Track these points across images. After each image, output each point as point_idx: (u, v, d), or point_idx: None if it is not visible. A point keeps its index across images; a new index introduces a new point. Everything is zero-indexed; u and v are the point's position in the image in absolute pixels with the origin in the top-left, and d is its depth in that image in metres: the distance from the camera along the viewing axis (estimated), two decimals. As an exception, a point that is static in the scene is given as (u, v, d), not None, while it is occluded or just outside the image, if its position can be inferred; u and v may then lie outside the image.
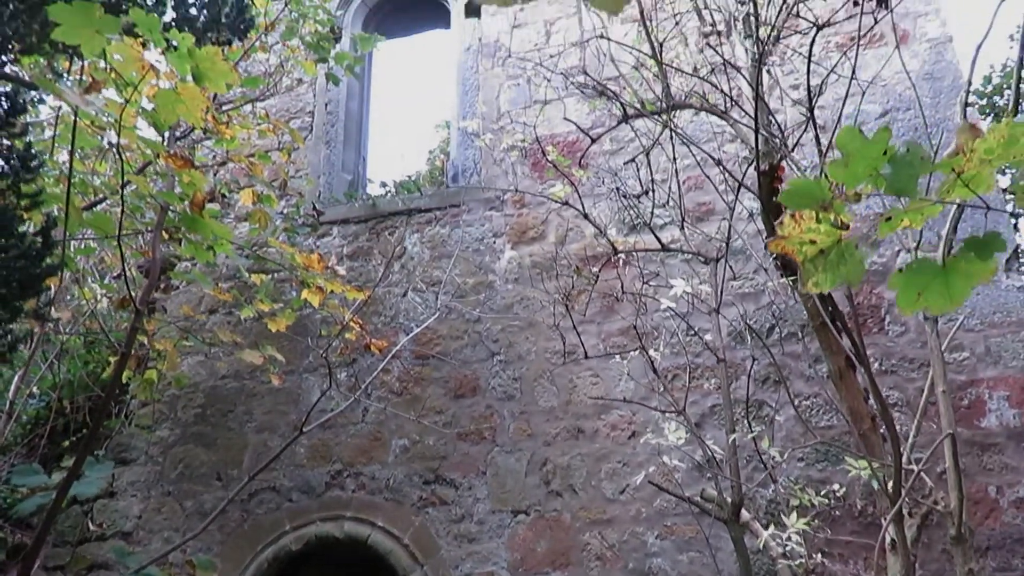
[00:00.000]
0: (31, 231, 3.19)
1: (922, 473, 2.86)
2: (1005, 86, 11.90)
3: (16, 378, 5.58)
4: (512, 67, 6.51)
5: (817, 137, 2.58)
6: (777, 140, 2.96)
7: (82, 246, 5.02)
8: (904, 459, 2.70)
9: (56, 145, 4.54)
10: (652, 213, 4.43)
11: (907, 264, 1.69)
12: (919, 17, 5.77)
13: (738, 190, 3.64)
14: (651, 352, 3.86)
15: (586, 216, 4.30)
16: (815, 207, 1.69)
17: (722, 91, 3.50)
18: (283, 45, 6.27)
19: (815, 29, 2.62)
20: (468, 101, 6.67)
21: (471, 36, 6.90)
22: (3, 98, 2.93)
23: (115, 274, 6.38)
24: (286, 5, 5.93)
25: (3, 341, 2.81)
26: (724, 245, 3.89)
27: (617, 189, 4.88)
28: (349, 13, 7.30)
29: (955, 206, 2.52)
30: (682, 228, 4.25)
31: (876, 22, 2.75)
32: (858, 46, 2.50)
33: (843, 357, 3.37)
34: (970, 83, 3.68)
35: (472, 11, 6.98)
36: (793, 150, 3.16)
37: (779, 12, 3.28)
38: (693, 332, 4.73)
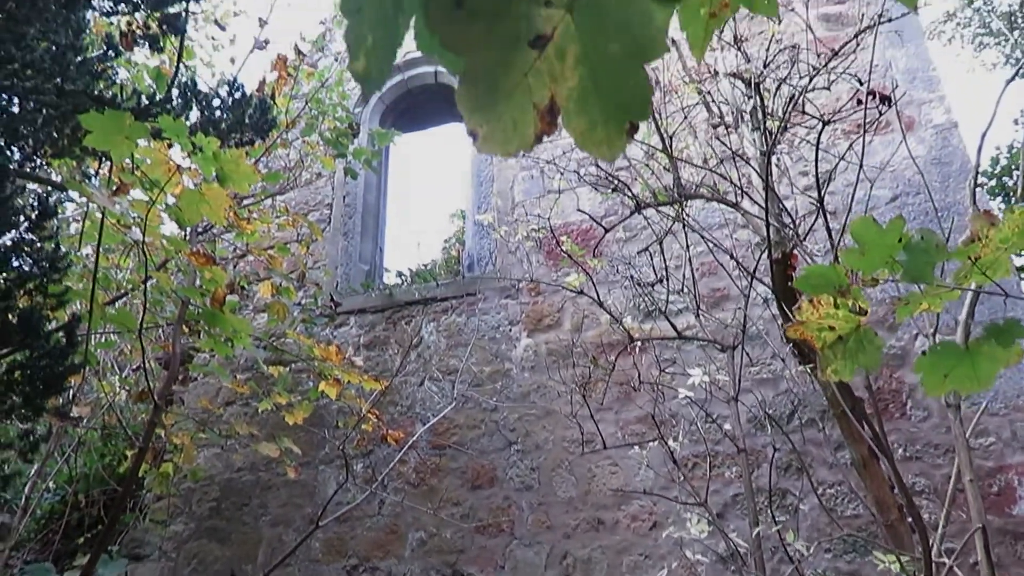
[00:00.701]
0: (54, 327, 3.24)
1: (954, 567, 2.78)
2: (1013, 167, 12.01)
3: (33, 473, 5.57)
4: (526, 159, 6.67)
5: (828, 228, 2.61)
6: (789, 230, 3.00)
7: (103, 339, 5.08)
8: (934, 551, 2.62)
9: (81, 240, 4.65)
10: (667, 301, 4.45)
11: (931, 347, 1.69)
12: (923, 104, 5.89)
13: (751, 279, 3.66)
14: (670, 442, 3.82)
15: (601, 305, 4.32)
16: (832, 292, 1.70)
17: (731, 181, 3.56)
18: (303, 141, 6.46)
19: (821, 124, 2.68)
20: (483, 192, 6.81)
21: (485, 130, 7.08)
22: (35, 202, 3.02)
23: (134, 367, 6.43)
24: (306, 104, 6.14)
25: (26, 440, 2.83)
26: (740, 332, 3.89)
27: (631, 277, 4.91)
28: (367, 109, 7.54)
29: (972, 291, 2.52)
30: (697, 316, 4.25)
31: (880, 115, 2.81)
32: (864, 137, 2.56)
33: (865, 446, 3.32)
34: (978, 169, 3.72)
35: (486, 106, 7.18)
36: (805, 239, 3.19)
37: (785, 105, 3.37)
38: (712, 420, 4.68)
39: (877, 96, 2.67)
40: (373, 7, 0.54)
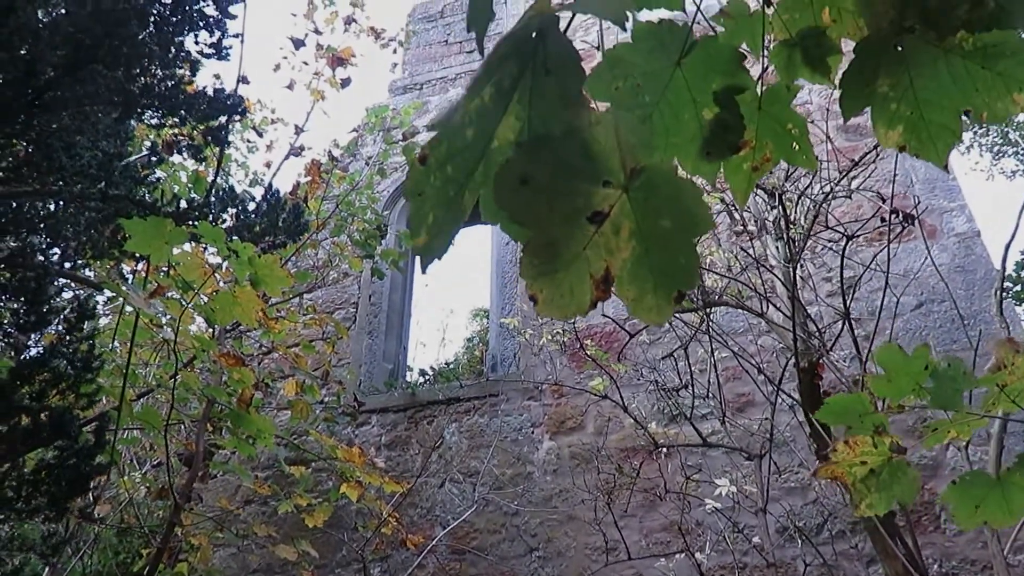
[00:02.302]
0: (82, 425, 3.28)
1: None
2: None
3: (46, 572, 5.49)
4: (549, 261, 6.77)
5: (855, 341, 2.62)
6: (815, 339, 3.01)
7: (126, 436, 5.09)
8: None
9: (114, 338, 4.74)
10: (692, 407, 4.42)
11: (960, 477, 1.67)
12: (944, 213, 5.95)
13: (778, 388, 3.65)
14: (697, 554, 3.72)
15: (626, 410, 4.30)
16: (856, 422, 1.70)
17: (755, 290, 3.59)
18: (332, 242, 6.61)
19: (846, 239, 2.73)
20: (507, 293, 6.88)
21: (510, 232, 7.22)
22: (74, 303, 3.11)
23: (154, 463, 6.42)
24: (337, 206, 6.32)
25: (49, 541, 2.82)
26: (767, 441, 3.85)
27: (656, 382, 4.90)
28: (395, 211, 7.73)
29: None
30: (723, 422, 4.21)
31: (904, 228, 2.85)
32: (888, 248, 2.59)
33: (899, 562, 3.22)
34: (1003, 280, 3.74)
35: (511, 209, 7.35)
36: (831, 350, 3.19)
37: (807, 215, 3.43)
38: (739, 531, 4.57)
39: (900, 214, 2.72)
40: (435, 190, 0.59)
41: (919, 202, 4.22)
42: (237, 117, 3.71)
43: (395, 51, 7.35)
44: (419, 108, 7.77)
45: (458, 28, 9.37)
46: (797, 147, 0.93)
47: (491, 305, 7.08)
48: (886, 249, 3.52)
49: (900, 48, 0.72)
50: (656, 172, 0.63)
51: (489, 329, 7.33)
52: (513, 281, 6.95)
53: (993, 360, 1.70)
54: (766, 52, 0.94)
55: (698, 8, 1.02)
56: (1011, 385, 1.67)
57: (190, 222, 3.90)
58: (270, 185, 4.45)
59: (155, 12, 2.97)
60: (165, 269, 4.03)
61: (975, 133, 15.20)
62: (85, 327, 2.99)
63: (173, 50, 3.04)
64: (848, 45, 0.85)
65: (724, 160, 0.87)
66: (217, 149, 3.98)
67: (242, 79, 4.47)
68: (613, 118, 0.61)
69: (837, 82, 0.82)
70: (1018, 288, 11.53)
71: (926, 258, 5.56)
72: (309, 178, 5.88)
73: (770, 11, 0.89)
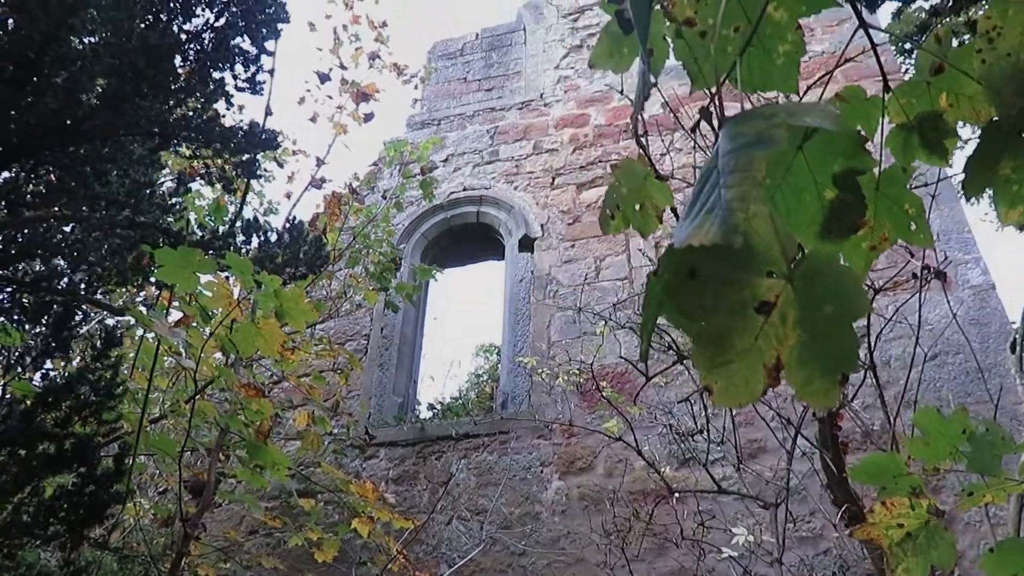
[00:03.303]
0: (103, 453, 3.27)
1: None
2: (1047, 325, 12.00)
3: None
4: (563, 299, 6.78)
5: (881, 394, 2.62)
6: (838, 391, 3.00)
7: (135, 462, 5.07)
8: None
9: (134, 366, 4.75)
10: (707, 452, 4.40)
11: (998, 544, 1.66)
12: (959, 265, 5.97)
13: (796, 434, 3.63)
14: (712, 603, 3.68)
15: (640, 454, 4.28)
16: (890, 483, 1.69)
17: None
18: (347, 273, 6.64)
19: (873, 292, 2.75)
20: (520, 330, 6.89)
21: (524, 269, 7.25)
22: (101, 331, 3.13)
23: (160, 489, 6.38)
24: (354, 239, 6.36)
25: (67, 570, 2.80)
26: (783, 489, 3.82)
27: (670, 426, 4.88)
28: (409, 245, 7.77)
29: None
30: (738, 469, 4.19)
31: (926, 283, 2.87)
32: (920, 302, 2.61)
33: (920, 620, 3.18)
34: (1020, 336, 3.73)
35: (525, 246, 7.39)
36: (852, 400, 3.19)
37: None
38: (752, 580, 4.52)
39: (932, 270, 2.74)
40: (656, 296, 0.61)
41: (946, 257, 4.23)
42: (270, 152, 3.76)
43: (416, 87, 7.45)
44: (436, 143, 7.85)
45: (477, 66, 9.49)
46: (915, 226, 0.96)
47: (503, 342, 7.08)
48: (905, 300, 3.53)
49: (1024, 134, 0.75)
50: (816, 260, 0.67)
51: (500, 365, 7.32)
52: (526, 318, 6.96)
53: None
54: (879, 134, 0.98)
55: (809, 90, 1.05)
56: (1050, 451, 1.66)
57: (214, 251, 3.93)
58: (294, 217, 4.48)
59: (197, 47, 3.03)
60: (187, 298, 4.06)
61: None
62: (112, 355, 3.00)
63: (212, 84, 3.09)
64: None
65: (844, 240, 0.90)
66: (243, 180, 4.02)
67: (268, 111, 4.54)
68: (768, 210, 0.64)
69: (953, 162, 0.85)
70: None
71: (940, 307, 5.57)
72: (329, 211, 5.93)
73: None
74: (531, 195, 7.85)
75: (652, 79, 0.68)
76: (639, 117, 0.84)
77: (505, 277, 7.47)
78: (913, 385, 5.45)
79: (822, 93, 1.12)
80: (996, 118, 0.76)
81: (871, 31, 0.98)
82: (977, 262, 5.99)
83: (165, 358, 4.54)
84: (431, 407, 7.66)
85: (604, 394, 4.53)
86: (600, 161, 7.82)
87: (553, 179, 7.92)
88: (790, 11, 0.98)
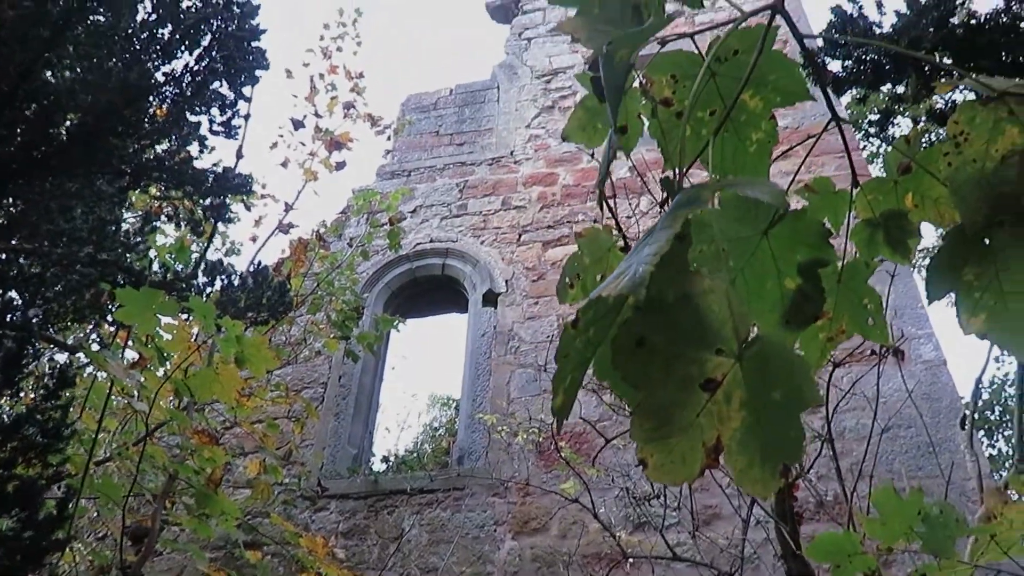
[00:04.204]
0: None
1: None
2: (995, 402, 12.30)
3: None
4: (524, 356, 6.78)
5: (838, 468, 2.65)
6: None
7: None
8: None
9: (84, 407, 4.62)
10: (664, 517, 4.39)
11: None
12: (912, 340, 6.11)
13: (752, 504, 3.65)
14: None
15: (595, 516, 4.26)
16: (845, 562, 1.71)
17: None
18: (309, 320, 6.57)
19: (832, 366, 2.80)
20: (480, 385, 6.85)
21: (487, 324, 7.25)
22: (53, 370, 3.05)
23: (98, 535, 6.15)
24: (317, 285, 6.31)
25: (-4, 622, 2.67)
26: (737, 558, 3.82)
27: (627, 490, 4.87)
28: (373, 294, 7.74)
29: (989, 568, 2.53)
30: (693, 535, 4.18)
31: (882, 359, 2.93)
32: (879, 382, 2.66)
33: None
34: (974, 416, 3.82)
35: (489, 301, 7.40)
36: (809, 471, 3.22)
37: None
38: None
39: (890, 348, 2.80)
40: (577, 352, 0.61)
41: (902, 335, 4.34)
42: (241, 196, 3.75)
43: (388, 138, 7.51)
44: (406, 194, 7.89)
45: (449, 120, 9.62)
46: (872, 322, 0.98)
47: (462, 396, 7.03)
48: (862, 373, 3.61)
49: (988, 241, 0.77)
50: (769, 344, 0.67)
51: (458, 420, 7.26)
52: (486, 373, 6.93)
53: (983, 509, 1.73)
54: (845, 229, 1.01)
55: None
56: (1001, 536, 1.69)
57: (176, 292, 3.87)
58: (259, 262, 4.45)
59: (176, 90, 3.03)
60: (143, 338, 3.97)
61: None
62: (64, 395, 2.92)
63: (187, 127, 3.09)
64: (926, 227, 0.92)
65: (802, 330, 0.92)
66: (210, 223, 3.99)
67: (240, 154, 4.53)
68: (725, 287, 0.64)
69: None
70: (977, 418, 11.78)
71: (892, 382, 5.68)
72: (294, 256, 5.90)
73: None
74: (497, 250, 7.90)
75: (618, 155, 0.70)
76: (603, 188, 0.86)
77: (467, 331, 7.46)
78: (867, 457, 5.53)
79: (794, 177, 1.15)
80: (960, 223, 0.79)
81: (841, 118, 1.02)
82: (929, 338, 6.14)
83: (116, 398, 4.43)
84: (385, 459, 7.55)
85: (563, 454, 4.51)
86: (567, 221, 7.92)
87: (520, 235, 7.99)
88: (765, 101, 1.02)
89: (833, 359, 2.86)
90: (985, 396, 12.69)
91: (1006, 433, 13.34)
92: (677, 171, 0.81)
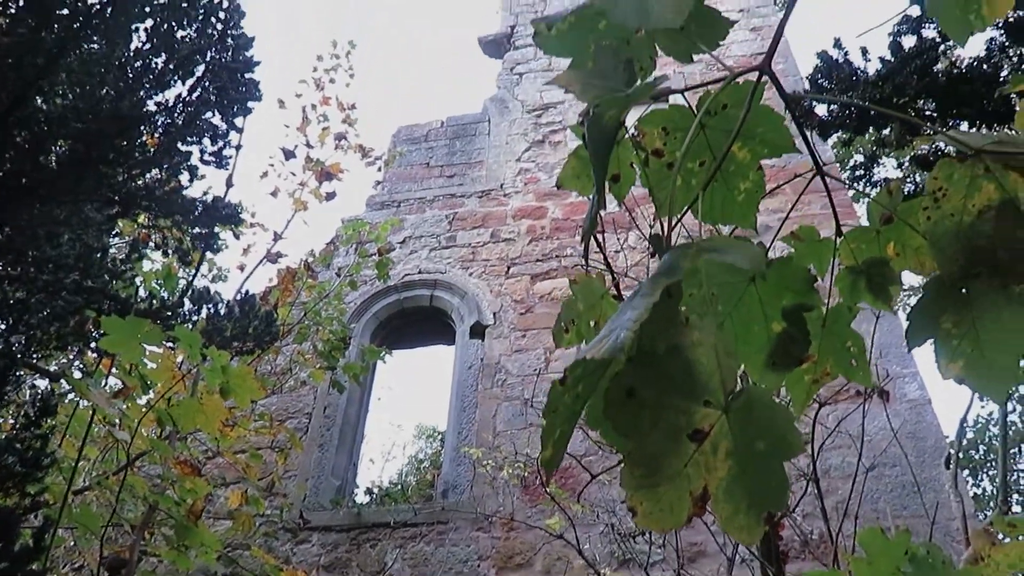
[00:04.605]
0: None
1: None
2: (979, 441, 12.34)
3: None
4: (511, 389, 6.76)
5: (823, 507, 2.65)
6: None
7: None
8: None
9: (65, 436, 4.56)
10: (648, 555, 4.36)
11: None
12: (897, 379, 6.14)
13: (736, 544, 3.63)
14: None
15: (580, 552, 4.22)
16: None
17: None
18: (295, 350, 6.54)
19: (818, 406, 2.81)
20: (466, 418, 6.82)
21: (474, 356, 7.24)
22: (35, 398, 3.02)
23: (76, 565, 6.04)
24: (304, 315, 6.29)
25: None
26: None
27: (612, 526, 4.84)
28: (360, 324, 7.72)
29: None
30: (678, 574, 4.15)
31: (868, 398, 2.94)
32: (864, 421, 2.67)
33: None
34: (959, 456, 3.83)
35: (477, 333, 7.40)
36: (794, 510, 3.22)
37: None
38: None
39: (876, 389, 2.82)
40: (566, 407, 0.62)
41: (887, 374, 4.36)
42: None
43: (379, 169, 7.55)
44: (395, 225, 7.91)
45: (440, 152, 9.68)
46: (855, 364, 1.00)
47: (448, 428, 7.00)
48: (848, 412, 3.61)
49: (966, 291, 0.79)
50: (754, 395, 0.68)
51: (443, 452, 7.21)
52: (472, 406, 6.90)
53: (970, 551, 1.73)
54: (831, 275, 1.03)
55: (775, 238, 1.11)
56: (987, 578, 1.70)
57: (162, 321, 3.85)
58: (246, 291, 4.43)
59: (168, 120, 3.04)
60: (126, 367, 3.94)
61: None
62: (45, 424, 2.88)
63: (178, 156, 3.10)
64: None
65: (788, 372, 0.93)
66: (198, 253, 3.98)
67: (230, 183, 4.54)
68: (714, 339, 0.66)
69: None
70: (961, 457, 11.81)
71: (877, 420, 5.69)
72: (282, 286, 5.88)
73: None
74: (486, 282, 7.91)
75: (602, 208, 0.72)
76: (587, 243, 0.88)
77: (454, 363, 7.44)
78: (852, 496, 5.53)
79: (786, 217, 1.17)
80: (939, 273, 0.81)
81: (825, 172, 1.04)
82: (914, 376, 6.17)
83: (97, 426, 4.38)
84: (369, 491, 7.48)
85: (548, 490, 4.49)
86: (556, 254, 7.95)
87: (508, 268, 8.01)
88: (753, 152, 1.04)
89: (819, 398, 2.88)
90: (969, 435, 12.74)
91: (990, 472, 13.42)
92: (665, 224, 0.83)
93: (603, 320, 1.19)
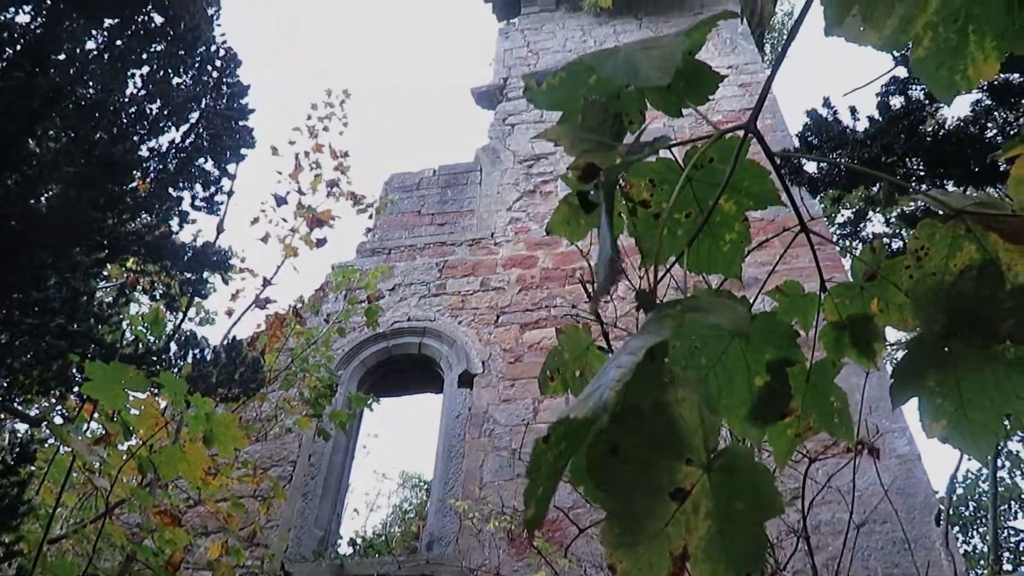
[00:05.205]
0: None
1: None
2: (968, 497, 12.26)
3: None
4: (499, 439, 6.70)
5: (814, 565, 2.61)
6: (769, 558, 2.99)
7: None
8: None
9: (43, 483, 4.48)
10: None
11: None
12: (887, 433, 6.11)
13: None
14: None
15: (567, 608, 4.14)
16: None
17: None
18: (280, 396, 6.47)
19: (808, 461, 2.79)
20: (452, 468, 6.74)
21: (462, 405, 7.19)
22: (13, 443, 2.97)
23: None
24: (291, 361, 6.24)
25: None
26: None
27: (600, 581, 4.76)
28: (348, 371, 7.67)
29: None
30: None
31: (858, 454, 2.93)
32: (855, 479, 2.65)
33: None
34: (949, 514, 3.80)
35: (465, 382, 7.35)
36: (785, 567, 3.17)
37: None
38: None
39: (866, 445, 2.81)
40: (548, 465, 0.62)
41: (877, 430, 4.35)
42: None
43: (370, 216, 7.58)
44: (386, 272, 7.90)
45: (432, 200, 9.74)
46: (838, 419, 1.00)
47: (434, 478, 6.90)
48: (838, 467, 3.58)
49: (948, 350, 0.79)
50: (736, 455, 0.67)
51: (429, 503, 7.11)
52: (459, 456, 6.83)
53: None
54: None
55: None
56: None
57: (147, 366, 3.82)
58: (233, 337, 4.41)
59: (160, 165, 3.06)
60: (109, 413, 3.89)
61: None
62: (23, 471, 2.83)
63: (169, 202, 3.10)
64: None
65: (770, 426, 0.93)
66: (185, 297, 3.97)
67: (220, 229, 4.54)
68: (698, 396, 0.65)
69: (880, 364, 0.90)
70: (952, 513, 11.72)
71: (867, 476, 5.65)
72: (270, 332, 5.85)
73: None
74: (475, 331, 7.89)
75: (621, 266, 0.72)
76: (597, 303, 0.88)
77: (442, 412, 7.37)
78: (843, 553, 5.46)
79: (772, 269, 1.18)
80: (921, 332, 0.81)
81: (810, 228, 1.05)
82: (903, 431, 6.15)
83: (76, 472, 4.30)
84: (352, 542, 7.35)
85: (535, 543, 4.42)
86: (545, 304, 7.96)
87: (498, 317, 8.00)
88: (738, 204, 1.05)
89: (809, 453, 2.86)
90: (959, 491, 12.66)
91: (980, 530, 13.29)
92: (652, 277, 0.83)
93: (588, 371, 1.19)
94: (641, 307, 0.71)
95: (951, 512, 11.69)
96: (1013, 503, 12.96)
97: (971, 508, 12.97)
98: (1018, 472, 13.41)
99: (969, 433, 0.79)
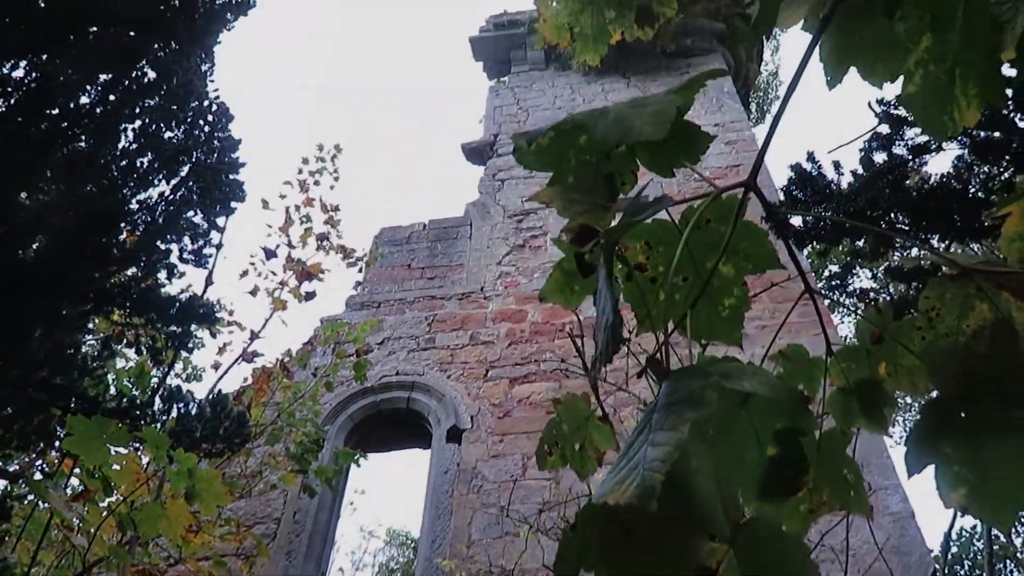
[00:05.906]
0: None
1: None
2: (963, 555, 12.09)
3: None
4: (487, 495, 6.58)
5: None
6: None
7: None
8: None
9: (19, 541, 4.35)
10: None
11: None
12: (880, 491, 6.05)
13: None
14: None
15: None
16: None
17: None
18: (266, 452, 6.36)
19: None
20: (440, 525, 6.61)
21: (450, 460, 7.08)
22: (-9, 502, 2.89)
23: None
24: (278, 416, 6.15)
25: None
26: None
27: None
28: (335, 426, 7.56)
29: None
30: None
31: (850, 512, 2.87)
32: (847, 540, 2.60)
33: None
34: (945, 570, 3.73)
35: (453, 437, 7.26)
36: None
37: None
38: None
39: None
40: (575, 554, 0.58)
41: (871, 487, 4.28)
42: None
43: (360, 270, 7.55)
44: (374, 326, 7.85)
45: (421, 254, 9.75)
46: (853, 494, 0.96)
47: (421, 536, 6.76)
48: (832, 525, 3.52)
49: (965, 414, 0.77)
50: (761, 525, 0.64)
51: (416, 563, 6.94)
52: (447, 513, 6.70)
53: None
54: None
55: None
56: None
57: (131, 420, 3.74)
58: (218, 391, 4.34)
59: (148, 218, 3.04)
60: (90, 468, 3.80)
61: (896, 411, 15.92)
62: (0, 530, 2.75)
63: (157, 254, 3.08)
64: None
65: (782, 502, 0.89)
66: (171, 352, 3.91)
67: (209, 281, 4.51)
68: (711, 465, 0.62)
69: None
70: (947, 572, 11.55)
71: (860, 533, 5.57)
72: (256, 386, 5.77)
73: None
74: (464, 385, 7.82)
75: (624, 335, 0.69)
76: (597, 371, 0.85)
77: (430, 468, 7.26)
78: (837, 614, 5.34)
79: (774, 338, 1.16)
80: (936, 395, 0.79)
81: (816, 291, 1.03)
82: (896, 488, 6.09)
83: (55, 529, 4.18)
84: (337, 603, 7.14)
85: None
86: (535, 358, 7.91)
87: (487, 371, 7.94)
88: (737, 267, 1.03)
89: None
90: (954, 550, 12.50)
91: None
92: (663, 344, 0.80)
93: (589, 443, 1.15)
94: (653, 375, 0.68)
95: (946, 571, 11.51)
96: (1008, 561, 12.78)
97: (966, 567, 12.79)
98: (1013, 530, 13.26)
99: (991, 503, 0.76)
